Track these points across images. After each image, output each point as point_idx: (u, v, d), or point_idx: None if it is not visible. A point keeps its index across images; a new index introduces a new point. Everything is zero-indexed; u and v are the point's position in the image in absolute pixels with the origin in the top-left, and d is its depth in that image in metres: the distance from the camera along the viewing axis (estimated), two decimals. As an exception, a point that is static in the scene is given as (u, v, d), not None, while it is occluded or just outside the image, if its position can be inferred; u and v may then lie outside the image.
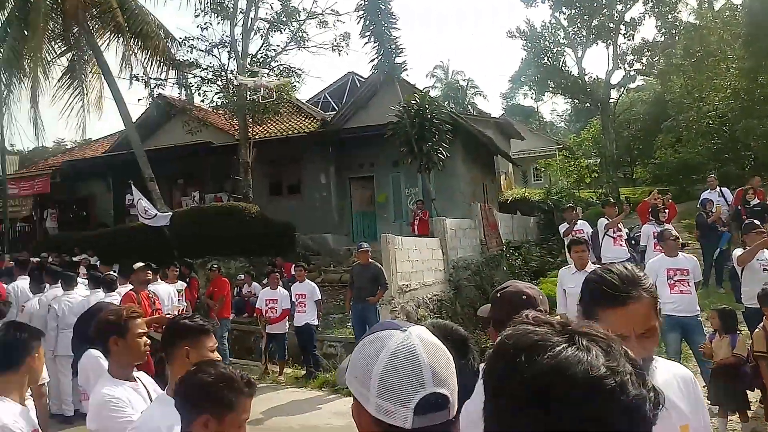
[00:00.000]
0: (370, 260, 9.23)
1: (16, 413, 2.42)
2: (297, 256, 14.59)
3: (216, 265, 11.35)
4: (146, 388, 2.73)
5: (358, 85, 20.77)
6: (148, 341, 2.78)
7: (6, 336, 2.55)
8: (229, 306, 10.27)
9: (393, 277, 10.43)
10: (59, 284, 7.82)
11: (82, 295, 7.81)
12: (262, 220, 14.76)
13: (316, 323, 9.66)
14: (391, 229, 14.72)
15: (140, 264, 7.48)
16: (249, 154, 16.04)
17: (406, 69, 15.63)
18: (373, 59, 15.26)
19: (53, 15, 16.72)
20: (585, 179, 26.72)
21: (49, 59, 17.66)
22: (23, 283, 8.35)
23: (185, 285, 9.99)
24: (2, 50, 16.40)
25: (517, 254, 16.33)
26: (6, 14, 16.55)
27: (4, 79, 16.75)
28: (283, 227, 15.27)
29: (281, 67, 16.57)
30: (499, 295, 2.09)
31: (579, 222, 10.14)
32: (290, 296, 9.54)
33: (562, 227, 10.06)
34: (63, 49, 18.11)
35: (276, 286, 9.70)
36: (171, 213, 15.16)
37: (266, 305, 9.58)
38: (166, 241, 14.82)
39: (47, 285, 7.93)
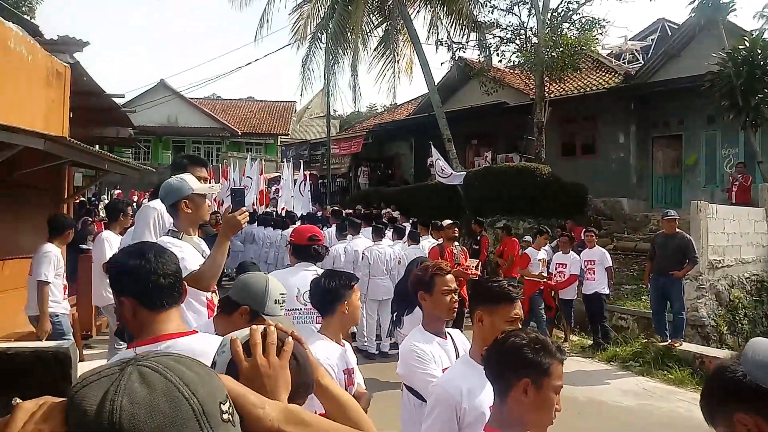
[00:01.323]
0: (677, 229, 8.27)
1: (331, 351, 2.65)
2: (588, 221, 13.91)
3: (506, 224, 11.47)
4: (455, 346, 2.78)
5: (670, 33, 18.47)
6: (456, 298, 2.79)
7: (321, 284, 2.78)
8: (516, 266, 10.32)
9: (703, 251, 9.22)
10: (360, 235, 8.81)
11: (388, 245, 8.72)
12: (553, 181, 14.38)
13: (607, 292, 9.12)
14: (700, 195, 12.98)
15: (449, 221, 7.93)
16: (543, 114, 15.66)
17: (734, 8, 13.27)
18: (693, 0, 13.34)
19: (373, -11, 18.69)
20: None
21: (367, 30, 19.83)
22: (332, 230, 9.83)
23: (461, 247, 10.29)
24: (330, 25, 18.85)
25: None
26: (334, -6, 18.95)
27: (331, 51, 19.29)
28: (574, 189, 14.65)
29: (583, 20, 15.58)
30: None
31: None
32: (579, 262, 9.19)
33: None
34: (379, 21, 20.11)
35: (567, 250, 9.41)
36: (465, 172, 15.77)
37: (555, 269, 9.38)
38: (459, 199, 15.53)
39: (349, 235, 8.99)
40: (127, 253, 1.86)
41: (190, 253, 2.95)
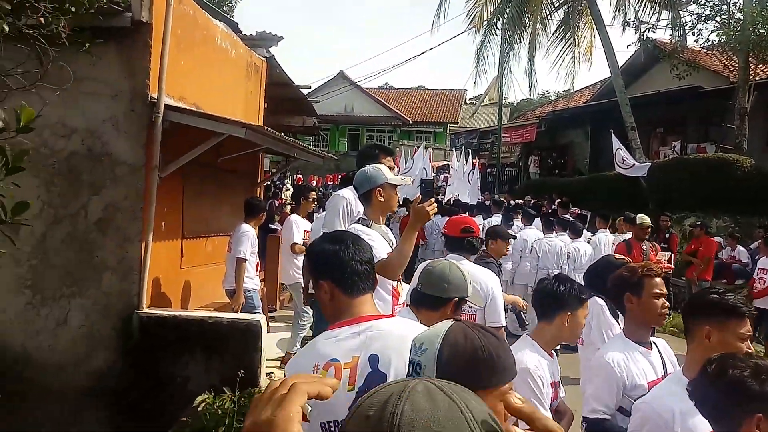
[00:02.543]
0: None
1: (542, 361, 2.48)
2: (797, 220, 12.10)
3: (699, 222, 10.38)
4: (661, 357, 2.56)
5: None
6: (667, 303, 2.56)
7: (549, 286, 2.55)
8: (711, 268, 9.32)
9: None
10: (532, 225, 8.85)
11: (559, 238, 8.42)
12: (757, 174, 12.69)
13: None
14: None
15: (644, 217, 7.39)
16: (747, 99, 13.84)
17: None
18: None
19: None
20: None
21: (546, 13, 19.07)
22: (496, 219, 9.98)
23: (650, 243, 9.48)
24: (507, 10, 18.42)
25: None
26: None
27: (507, 37, 18.86)
28: (782, 184, 12.81)
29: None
30: None
31: None
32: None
33: None
34: (560, 2, 19.19)
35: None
36: (649, 163, 14.56)
37: (756, 275, 8.28)
38: (640, 192, 14.38)
39: (521, 225, 9.06)
40: (326, 239, 1.93)
41: (379, 241, 3.01)
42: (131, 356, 4.42)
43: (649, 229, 7.25)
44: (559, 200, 15.53)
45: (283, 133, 11.64)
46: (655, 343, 2.62)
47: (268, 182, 13.80)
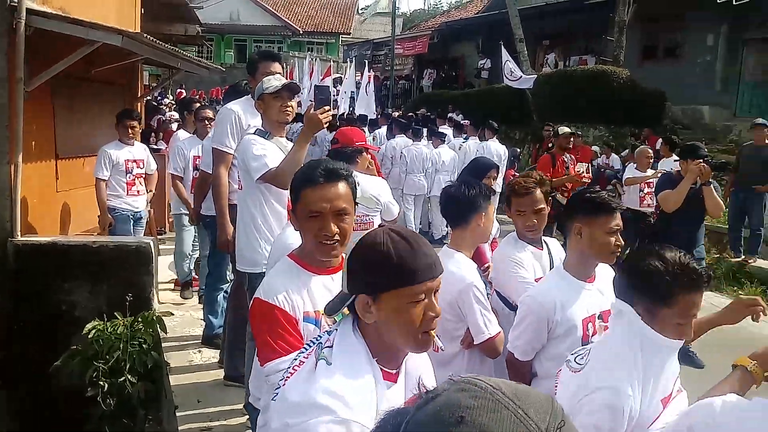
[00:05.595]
0: (767, 141, 7.73)
1: (474, 268, 2.53)
2: (663, 129, 13.17)
3: (579, 133, 10.96)
4: (551, 256, 2.76)
5: None
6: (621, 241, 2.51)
7: (458, 192, 2.54)
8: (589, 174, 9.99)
9: (791, 164, 8.63)
10: (404, 134, 9.66)
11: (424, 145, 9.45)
12: (630, 86, 13.54)
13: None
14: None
15: (566, 129, 7.56)
16: (627, 11, 14.42)
17: None
18: None
19: None
20: None
21: None
22: (382, 131, 11.08)
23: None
24: None
25: None
26: None
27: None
28: (652, 96, 13.77)
29: None
30: None
31: None
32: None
33: None
34: None
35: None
36: (535, 76, 15.06)
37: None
38: (526, 103, 14.95)
39: (395, 135, 9.84)
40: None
41: (272, 152, 2.99)
42: (8, 286, 4.14)
43: (570, 142, 7.40)
44: (440, 110, 15.83)
45: (164, 43, 10.82)
46: (546, 243, 2.82)
47: (149, 97, 12.92)
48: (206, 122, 5.46)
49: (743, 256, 7.86)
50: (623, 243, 2.27)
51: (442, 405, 0.66)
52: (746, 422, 1.19)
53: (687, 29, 15.83)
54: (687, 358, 4.11)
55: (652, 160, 7.70)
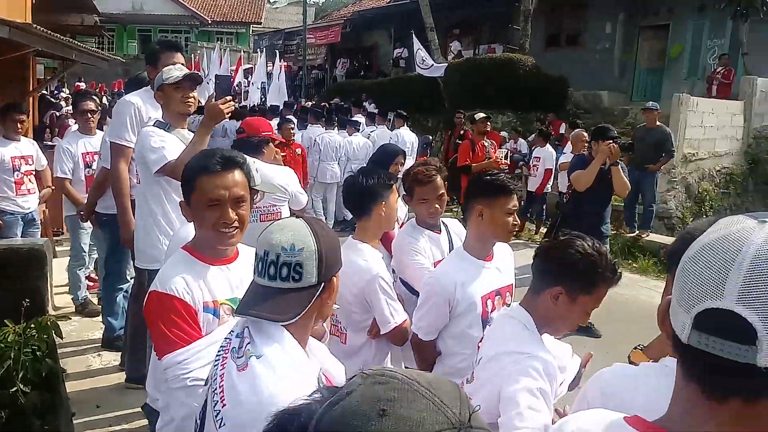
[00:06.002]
0: (658, 123, 8.27)
1: (380, 258, 2.54)
2: (567, 114, 13.82)
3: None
4: (450, 237, 2.83)
5: None
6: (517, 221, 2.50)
7: (358, 183, 2.55)
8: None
9: (679, 144, 9.29)
10: (319, 124, 9.76)
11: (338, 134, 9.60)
12: (535, 73, 14.08)
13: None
14: (681, 88, 12.86)
15: (482, 115, 7.56)
16: (532, 1, 14.94)
17: None
18: None
19: None
20: None
21: None
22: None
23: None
24: None
25: None
26: None
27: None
28: (555, 82, 14.40)
29: None
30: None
31: None
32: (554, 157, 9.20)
33: None
34: None
35: (544, 145, 9.37)
36: (446, 64, 15.34)
37: (531, 163, 9.42)
38: (438, 91, 15.21)
39: (309, 124, 9.95)
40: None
41: (171, 144, 2.92)
42: None
43: (488, 126, 7.48)
44: (353, 99, 15.85)
45: (58, 35, 10.18)
46: (446, 225, 2.89)
47: (44, 91, 12.13)
48: (88, 115, 5.09)
49: (637, 231, 8.41)
50: (519, 222, 2.38)
51: (360, 400, 0.65)
52: (640, 387, 1.27)
53: (588, 17, 16.63)
54: (585, 329, 4.35)
55: (587, 144, 7.92)
